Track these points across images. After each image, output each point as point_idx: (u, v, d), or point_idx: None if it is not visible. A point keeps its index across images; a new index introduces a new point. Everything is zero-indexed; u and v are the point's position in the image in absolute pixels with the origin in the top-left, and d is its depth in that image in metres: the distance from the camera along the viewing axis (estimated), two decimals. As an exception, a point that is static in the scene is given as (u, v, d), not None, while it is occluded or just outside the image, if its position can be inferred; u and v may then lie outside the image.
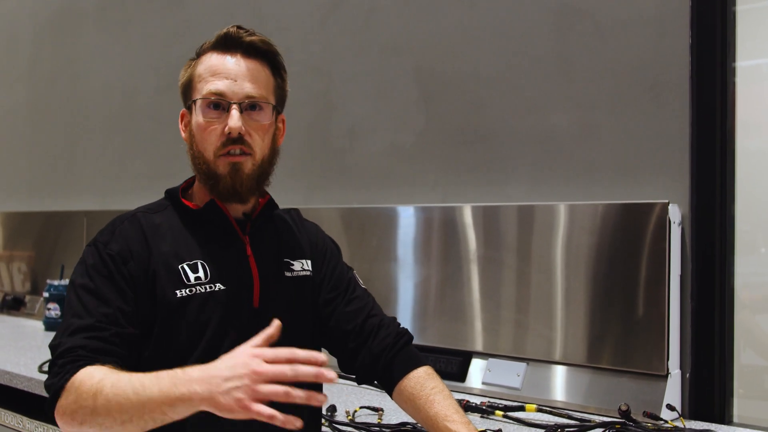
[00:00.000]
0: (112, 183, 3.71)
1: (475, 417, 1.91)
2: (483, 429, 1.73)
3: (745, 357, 2.06)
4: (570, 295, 2.08)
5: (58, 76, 4.06)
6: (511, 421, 1.87)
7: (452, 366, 2.27)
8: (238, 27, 1.47)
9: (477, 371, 2.22)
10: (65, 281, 3.39)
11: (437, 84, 2.50)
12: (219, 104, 1.42)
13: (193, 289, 1.41)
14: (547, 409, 1.89)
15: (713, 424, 1.89)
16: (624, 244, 2.00)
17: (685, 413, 1.94)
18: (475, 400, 2.00)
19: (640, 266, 1.97)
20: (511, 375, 2.15)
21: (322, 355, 1.15)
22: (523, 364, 2.14)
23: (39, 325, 3.48)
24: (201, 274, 1.42)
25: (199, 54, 1.49)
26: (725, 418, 1.94)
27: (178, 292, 1.40)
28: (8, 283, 4.10)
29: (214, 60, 1.45)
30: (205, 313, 1.41)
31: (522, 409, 1.91)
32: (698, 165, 1.97)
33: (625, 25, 2.11)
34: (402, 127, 2.58)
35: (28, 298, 3.88)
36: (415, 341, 2.30)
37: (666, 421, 1.73)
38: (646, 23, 2.07)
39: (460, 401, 1.93)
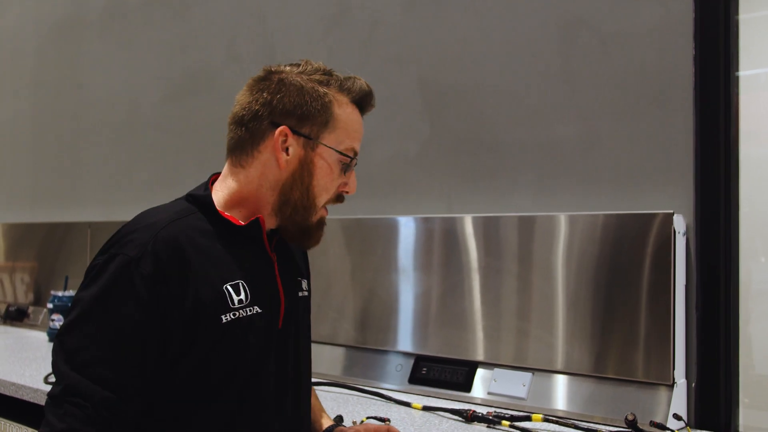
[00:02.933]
0: (116, 193, 3.72)
1: (481, 427, 1.92)
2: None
3: (750, 366, 2.07)
4: (575, 305, 2.08)
5: (62, 86, 4.07)
6: (513, 430, 1.87)
7: (458, 376, 2.27)
8: (369, 86, 1.48)
9: (482, 381, 2.23)
10: (69, 293, 3.39)
11: (441, 95, 2.51)
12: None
13: (237, 312, 1.34)
14: (553, 418, 1.89)
15: (720, 434, 1.89)
16: (629, 255, 2.01)
17: (691, 423, 1.94)
18: (481, 410, 2.00)
19: (645, 276, 1.98)
20: (516, 385, 2.15)
21: None
22: (528, 374, 2.14)
23: (43, 336, 3.48)
24: (243, 296, 1.36)
25: (337, 88, 1.43)
26: (731, 428, 1.94)
27: (223, 317, 1.32)
28: (11, 293, 4.11)
29: (356, 117, 1.46)
30: (246, 340, 1.36)
31: (528, 419, 1.92)
32: (702, 174, 1.98)
33: (629, 36, 2.12)
34: (406, 138, 2.59)
35: (31, 309, 3.89)
36: (419, 351, 2.31)
37: (673, 431, 1.73)
38: (649, 34, 2.08)
39: (465, 411, 1.94)
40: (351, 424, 1.93)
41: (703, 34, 2.01)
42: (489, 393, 2.19)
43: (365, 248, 2.58)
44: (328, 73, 1.43)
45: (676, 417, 1.75)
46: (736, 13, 2.03)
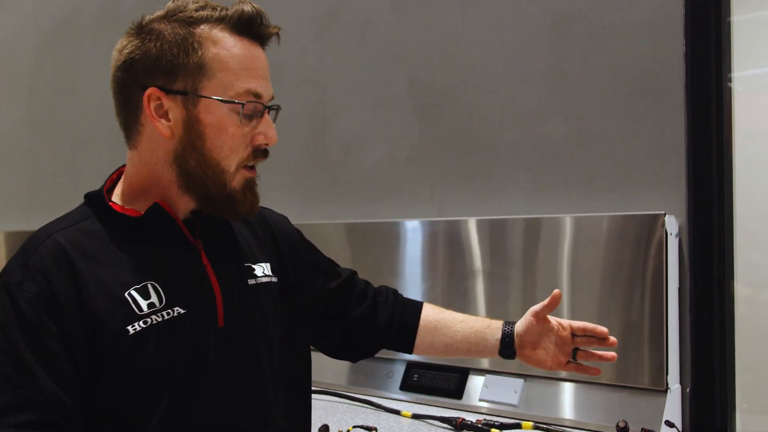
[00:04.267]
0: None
1: (469, 435, 1.87)
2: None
3: (748, 370, 2.01)
4: (567, 310, 2.03)
5: (58, 92, 4.04)
6: (504, 439, 1.83)
7: (449, 383, 2.23)
8: (254, 6, 1.20)
9: (474, 388, 2.18)
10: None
11: (432, 95, 2.47)
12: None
13: (148, 319, 1.13)
14: (544, 426, 1.84)
15: (715, 441, 1.84)
16: (621, 257, 1.96)
17: (686, 428, 1.89)
18: (471, 418, 1.95)
19: (637, 279, 1.93)
20: (508, 392, 2.10)
21: None
22: (520, 381, 2.10)
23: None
24: (154, 299, 1.14)
25: (211, 22, 1.17)
26: (728, 434, 1.89)
27: (130, 327, 1.11)
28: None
29: (244, 50, 1.17)
30: (167, 348, 1.13)
31: (518, 426, 1.87)
32: (694, 175, 1.93)
33: (620, 34, 2.07)
34: (397, 140, 2.55)
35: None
36: (413, 358, 2.26)
37: (668, 439, 1.69)
38: (641, 31, 2.03)
39: (455, 419, 1.90)
40: (336, 434, 1.88)
41: (694, 33, 1.96)
42: (480, 400, 2.14)
43: (357, 253, 2.53)
44: (199, 8, 1.16)
45: (668, 424, 1.70)
46: (728, 14, 1.98)
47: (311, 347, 1.42)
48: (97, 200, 1.21)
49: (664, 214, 1.89)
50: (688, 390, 1.92)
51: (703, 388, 1.91)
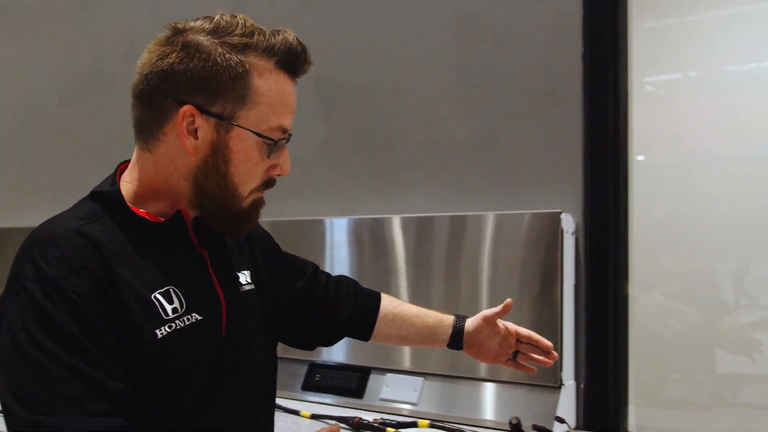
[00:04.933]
0: (13, 199, 3.56)
1: (366, 434, 1.86)
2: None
3: (641, 367, 2.05)
4: (463, 307, 2.04)
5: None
6: (400, 438, 1.82)
7: (351, 382, 2.21)
8: (300, 42, 1.20)
9: (376, 387, 2.16)
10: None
11: (337, 93, 2.45)
12: None
13: (173, 324, 1.12)
14: (440, 424, 1.84)
15: (607, 435, 1.87)
16: (519, 255, 1.97)
17: (580, 424, 1.91)
18: (372, 417, 1.94)
19: (534, 276, 1.94)
20: (408, 390, 2.09)
21: None
22: (420, 379, 2.09)
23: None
24: (177, 304, 1.14)
25: (258, 52, 1.15)
26: (619, 429, 1.92)
27: (158, 331, 1.10)
28: None
29: (283, 85, 1.18)
30: (190, 354, 1.13)
31: (415, 425, 1.86)
32: (591, 174, 1.96)
33: (522, 35, 2.09)
34: (302, 137, 2.52)
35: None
36: (313, 358, 2.23)
37: (557, 435, 1.70)
38: (541, 33, 2.06)
39: (353, 419, 1.88)
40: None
41: (592, 35, 1.99)
42: (381, 399, 2.13)
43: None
44: (248, 33, 1.15)
45: (558, 419, 1.71)
46: (626, 20, 2.01)
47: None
48: (111, 200, 1.17)
49: (561, 213, 1.91)
50: (582, 386, 1.94)
51: (596, 385, 1.94)
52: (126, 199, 1.17)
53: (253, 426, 1.29)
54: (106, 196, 1.17)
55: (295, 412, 2.08)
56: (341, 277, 1.61)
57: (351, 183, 2.40)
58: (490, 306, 1.85)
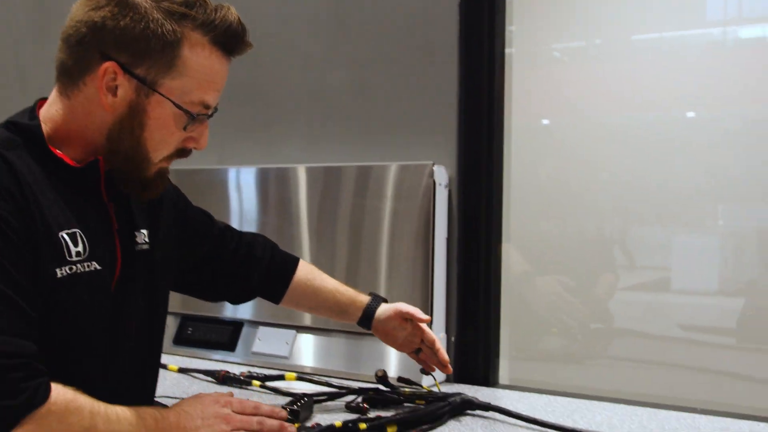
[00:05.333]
0: None
1: (232, 389, 1.81)
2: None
3: (514, 322, 2.07)
4: (337, 259, 2.01)
5: None
6: (267, 391, 1.78)
7: (223, 336, 2.16)
8: (241, 22, 1.20)
9: (248, 340, 2.12)
10: None
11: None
12: None
13: (74, 267, 1.11)
14: (307, 377, 1.81)
15: (476, 387, 1.87)
16: (390, 206, 1.95)
17: (451, 377, 1.91)
18: (236, 371, 1.90)
19: (406, 229, 1.92)
20: (279, 343, 2.06)
21: (282, 411, 1.35)
22: (291, 332, 2.06)
23: None
24: (81, 248, 1.13)
25: (196, 24, 1.14)
26: (490, 381, 1.93)
27: (59, 270, 1.09)
28: None
29: (214, 62, 1.17)
30: (81, 301, 1.13)
31: (282, 378, 1.83)
32: (465, 128, 1.94)
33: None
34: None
35: None
36: (185, 311, 2.16)
37: (421, 386, 1.69)
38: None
39: (218, 372, 1.84)
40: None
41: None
42: (252, 353, 2.09)
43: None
44: (189, 4, 1.13)
45: (423, 372, 1.70)
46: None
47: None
48: (30, 134, 1.14)
49: (433, 164, 1.89)
50: (453, 339, 1.95)
51: (467, 337, 1.94)
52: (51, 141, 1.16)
53: (136, 383, 1.31)
54: (25, 129, 1.14)
55: (163, 366, 2.02)
56: (258, 238, 1.64)
57: (226, 132, 2.32)
58: (365, 259, 1.86)
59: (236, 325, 2.16)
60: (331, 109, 2.14)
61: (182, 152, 1.22)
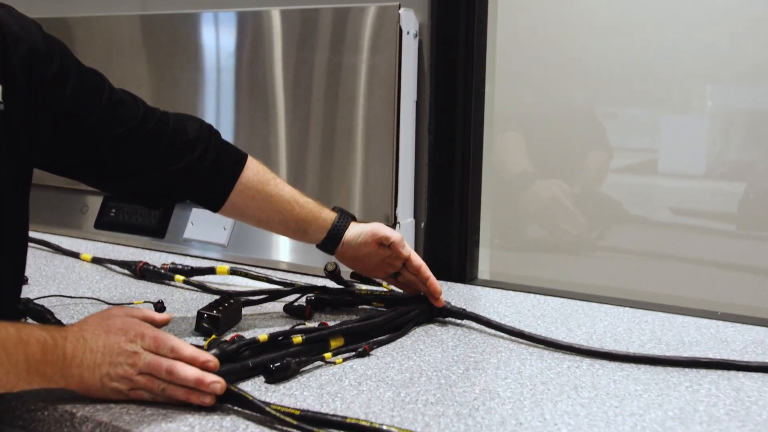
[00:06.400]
0: None
1: (151, 285, 1.48)
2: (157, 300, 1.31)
3: (497, 205, 1.73)
4: (287, 127, 1.65)
5: None
6: (191, 288, 1.45)
7: (151, 219, 1.81)
8: None
9: (179, 225, 1.78)
10: None
11: None
12: None
13: None
14: (243, 271, 1.47)
15: (449, 283, 1.55)
16: (350, 61, 1.56)
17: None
18: (159, 262, 1.56)
19: (364, 88, 1.55)
20: (216, 229, 1.72)
21: (209, 358, 0.93)
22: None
23: None
24: None
25: None
26: (467, 277, 1.61)
27: None
28: None
29: None
30: None
31: (212, 271, 1.49)
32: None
33: None
34: None
35: None
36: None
37: (381, 284, 1.36)
38: None
39: (135, 264, 1.51)
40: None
41: None
42: (185, 240, 1.75)
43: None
44: None
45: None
46: None
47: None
48: None
49: (398, 6, 1.49)
50: (423, 225, 1.61)
51: (440, 223, 1.60)
52: None
53: None
54: None
55: (75, 255, 1.69)
56: (192, 121, 1.22)
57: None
58: (315, 123, 1.52)
59: (166, 208, 1.80)
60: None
61: None
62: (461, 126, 1.56)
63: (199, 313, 1.18)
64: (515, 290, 1.51)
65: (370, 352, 1.11)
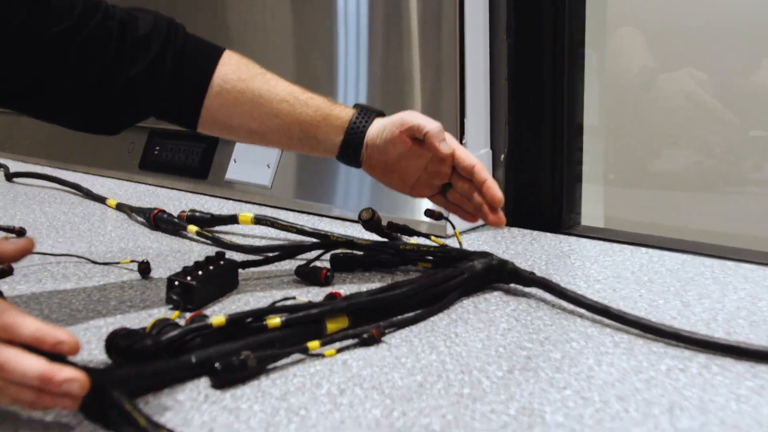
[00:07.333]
0: None
1: (163, 238, 1.22)
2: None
3: (610, 127, 1.35)
4: (329, 53, 1.33)
5: None
6: (205, 241, 1.18)
7: (193, 158, 1.55)
8: None
9: (221, 164, 1.51)
10: None
11: None
12: None
13: None
14: (269, 219, 1.17)
15: (539, 233, 1.20)
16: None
17: (509, 220, 1.22)
18: (202, 207, 1.29)
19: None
20: (259, 168, 1.43)
21: (67, 338, 0.59)
22: (275, 153, 1.41)
23: None
24: None
25: None
26: (563, 223, 1.24)
27: None
28: None
29: None
30: None
31: (235, 220, 1.20)
32: None
33: None
34: None
35: None
36: (155, 124, 1.57)
37: (429, 236, 1.02)
38: None
39: (150, 211, 1.26)
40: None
41: None
42: (227, 181, 1.48)
43: None
44: None
45: (430, 214, 1.02)
46: None
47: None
48: None
49: None
50: (502, 157, 1.25)
51: (527, 156, 1.24)
52: None
53: None
54: None
55: (102, 200, 1.46)
56: (148, 15, 0.91)
57: None
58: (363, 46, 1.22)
59: (210, 143, 1.54)
60: None
61: None
62: (550, 26, 1.18)
63: (169, 280, 0.89)
64: (623, 242, 1.13)
65: (381, 339, 0.79)
